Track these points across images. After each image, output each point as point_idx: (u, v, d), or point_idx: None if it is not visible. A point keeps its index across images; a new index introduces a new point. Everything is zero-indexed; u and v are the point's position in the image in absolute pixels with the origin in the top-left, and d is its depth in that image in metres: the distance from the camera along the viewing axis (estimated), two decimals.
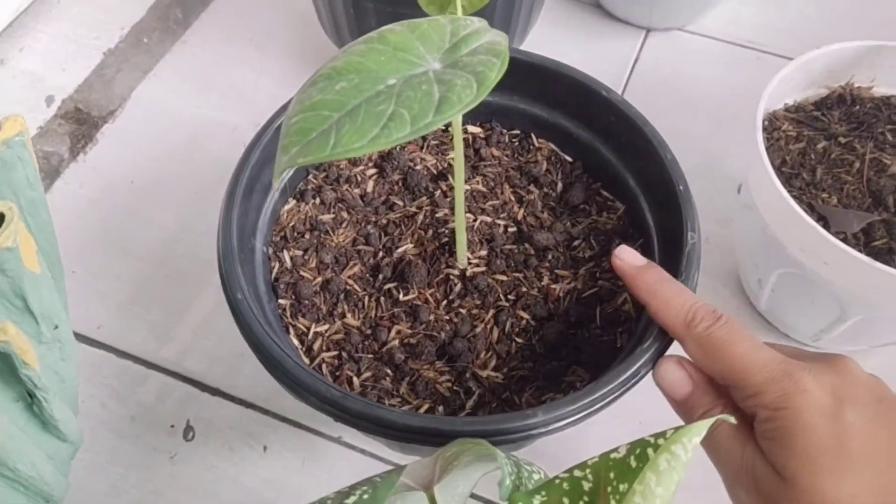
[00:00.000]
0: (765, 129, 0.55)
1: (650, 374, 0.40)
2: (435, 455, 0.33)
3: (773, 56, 0.75)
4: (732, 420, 0.29)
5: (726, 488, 0.37)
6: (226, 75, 0.75)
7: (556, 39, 0.77)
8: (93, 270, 0.62)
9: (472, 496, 0.52)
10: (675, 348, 0.40)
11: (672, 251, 0.44)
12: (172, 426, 0.56)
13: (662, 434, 0.29)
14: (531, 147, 0.53)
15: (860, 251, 0.50)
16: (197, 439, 0.55)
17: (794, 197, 0.51)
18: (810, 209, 0.52)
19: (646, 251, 0.47)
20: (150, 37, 0.77)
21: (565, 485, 0.30)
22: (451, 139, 0.53)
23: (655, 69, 0.75)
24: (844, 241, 0.50)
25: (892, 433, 0.34)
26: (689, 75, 0.75)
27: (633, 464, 0.29)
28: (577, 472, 0.30)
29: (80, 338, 0.59)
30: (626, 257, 0.42)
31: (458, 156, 0.39)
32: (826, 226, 0.50)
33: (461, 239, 0.45)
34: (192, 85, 0.74)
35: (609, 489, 0.29)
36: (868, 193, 0.53)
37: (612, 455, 0.29)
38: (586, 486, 0.30)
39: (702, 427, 0.28)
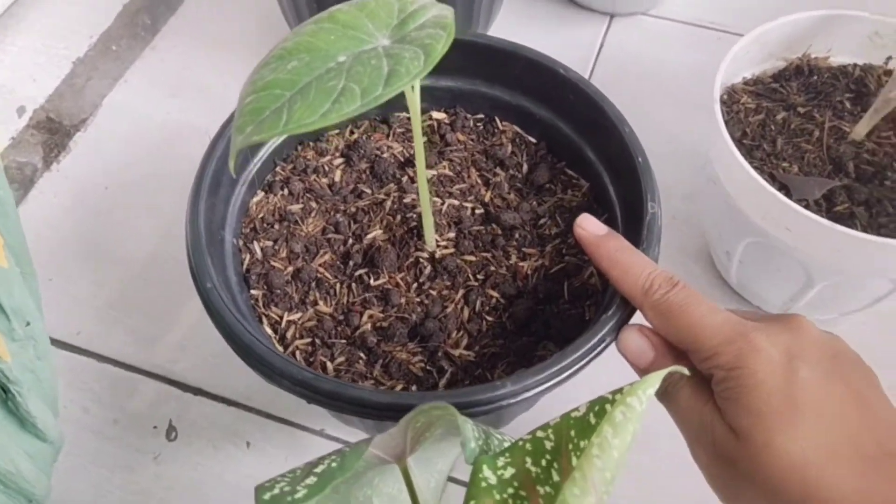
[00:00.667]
0: (724, 102, 0.56)
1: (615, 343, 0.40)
2: (403, 424, 0.33)
3: (734, 35, 0.76)
4: (686, 371, 0.30)
5: (689, 450, 0.38)
6: (196, 79, 0.75)
7: (520, 28, 0.78)
8: (70, 277, 0.63)
9: (450, 479, 0.53)
10: (639, 318, 0.41)
11: (634, 222, 0.44)
12: (155, 427, 0.56)
13: (619, 390, 0.29)
14: (496, 130, 0.54)
15: (822, 216, 0.51)
16: (180, 439, 0.56)
17: (756, 167, 0.52)
18: (772, 179, 0.53)
19: (610, 224, 0.48)
20: (119, 44, 0.77)
21: (528, 446, 0.30)
22: None
23: (620, 54, 0.76)
24: (807, 207, 0.50)
25: (845, 388, 0.34)
26: (654, 58, 0.76)
27: (593, 420, 0.29)
28: (539, 433, 0.31)
29: (60, 344, 0.59)
30: (588, 226, 0.43)
31: (417, 138, 0.40)
32: (788, 194, 0.51)
33: (428, 222, 0.46)
34: (163, 90, 0.75)
35: (570, 446, 0.29)
36: (828, 161, 0.54)
37: (573, 414, 0.30)
38: (548, 445, 0.30)
39: (655, 378, 0.28)
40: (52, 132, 0.71)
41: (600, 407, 0.29)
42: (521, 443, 0.31)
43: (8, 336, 0.38)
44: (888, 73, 0.58)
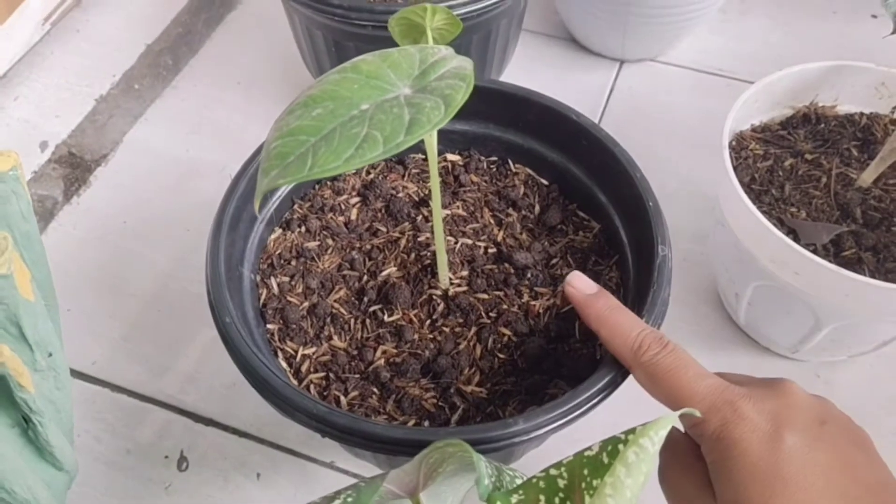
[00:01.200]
0: (733, 148, 0.57)
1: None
2: (417, 461, 0.34)
3: (742, 82, 0.78)
4: (698, 414, 0.30)
5: None
6: (214, 118, 0.77)
7: (532, 74, 0.79)
8: (86, 309, 0.64)
9: None
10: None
11: (645, 265, 0.45)
12: (167, 457, 0.56)
13: (632, 430, 0.30)
14: (508, 172, 0.55)
15: (830, 261, 0.51)
16: (191, 469, 0.56)
17: (764, 212, 0.53)
18: (780, 223, 0.53)
19: (620, 267, 0.49)
20: (141, 83, 0.79)
21: (542, 483, 0.31)
22: None
23: (630, 98, 0.78)
24: (814, 252, 0.51)
25: (832, 455, 0.34)
26: (663, 103, 0.77)
27: (606, 460, 0.30)
28: (552, 471, 0.31)
29: (75, 374, 0.60)
30: (578, 284, 0.43)
31: (433, 178, 0.41)
32: (796, 239, 0.52)
33: (442, 260, 0.47)
34: (182, 128, 0.76)
35: (583, 485, 0.30)
36: (836, 206, 0.55)
37: (586, 453, 0.31)
38: (561, 483, 0.31)
39: (668, 420, 0.29)
40: (74, 167, 0.72)
41: (613, 447, 0.30)
42: (534, 480, 0.31)
43: (31, 367, 0.38)
44: (894, 121, 0.59)
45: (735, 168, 0.55)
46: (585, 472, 0.30)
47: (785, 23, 0.84)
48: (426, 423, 0.44)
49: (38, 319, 0.38)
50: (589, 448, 0.31)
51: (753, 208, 0.50)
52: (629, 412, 0.40)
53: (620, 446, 0.30)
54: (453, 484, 0.36)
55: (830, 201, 0.55)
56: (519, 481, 0.35)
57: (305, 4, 0.60)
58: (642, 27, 0.75)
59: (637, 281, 0.46)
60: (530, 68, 0.80)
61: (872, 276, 0.50)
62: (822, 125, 0.59)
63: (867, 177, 0.55)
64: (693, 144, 0.73)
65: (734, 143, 0.58)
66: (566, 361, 0.45)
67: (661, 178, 0.65)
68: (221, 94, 0.79)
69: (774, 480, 0.33)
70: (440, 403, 0.44)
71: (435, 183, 0.41)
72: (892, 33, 0.50)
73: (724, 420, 0.34)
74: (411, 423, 0.44)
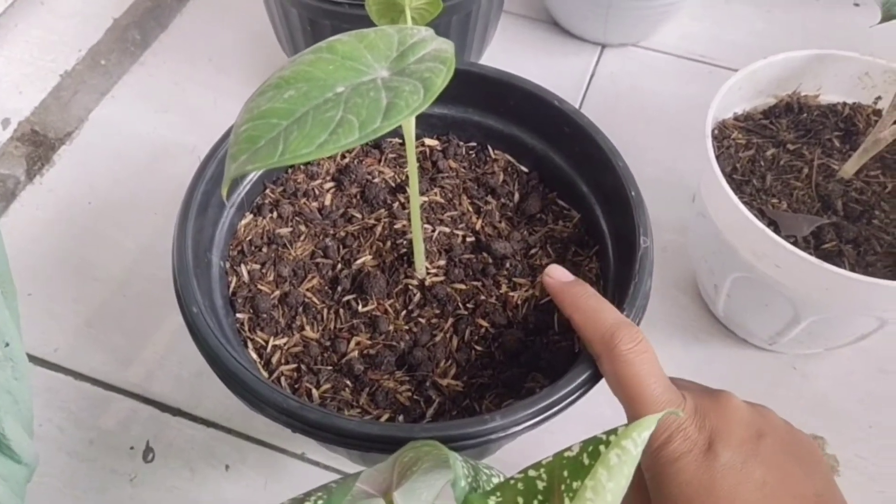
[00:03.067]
0: (715, 137, 0.56)
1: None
2: (391, 460, 0.33)
3: (725, 69, 0.77)
4: (681, 414, 0.30)
5: None
6: (184, 96, 0.75)
7: (512, 56, 0.78)
8: (49, 293, 0.62)
9: None
10: None
11: (626, 256, 0.44)
12: (132, 448, 0.55)
13: (614, 431, 0.29)
14: (488, 159, 0.53)
15: (810, 254, 0.51)
16: (157, 461, 0.54)
17: (745, 203, 0.52)
18: (761, 214, 0.53)
19: (601, 258, 0.48)
20: (108, 58, 0.76)
21: (520, 485, 0.30)
22: None
23: (611, 84, 0.77)
24: (795, 244, 0.51)
25: (768, 471, 0.34)
26: (644, 89, 0.76)
27: (586, 461, 0.29)
28: (531, 472, 0.30)
29: (37, 361, 0.58)
30: (555, 274, 0.43)
31: (411, 164, 0.40)
32: (777, 230, 0.52)
33: (419, 249, 0.45)
34: (151, 106, 0.74)
35: (563, 487, 0.29)
36: (817, 198, 0.54)
37: (566, 454, 0.30)
38: (540, 485, 0.30)
39: (651, 421, 0.28)
40: (37, 145, 0.70)
41: (594, 448, 0.29)
42: (512, 481, 0.30)
43: None
44: (877, 112, 0.59)
45: (717, 158, 0.54)
46: (565, 473, 0.29)
47: (768, 10, 0.83)
48: (400, 418, 0.42)
49: None
50: (569, 449, 0.30)
51: (735, 199, 0.49)
52: (612, 404, 0.39)
53: (602, 447, 0.29)
54: (428, 480, 0.35)
55: (812, 193, 0.54)
56: (496, 480, 0.34)
57: None
58: (624, 11, 0.74)
59: (618, 272, 0.45)
60: (511, 51, 0.78)
61: (853, 269, 0.50)
62: (805, 115, 0.59)
63: (849, 168, 0.54)
64: (674, 131, 0.72)
65: (716, 131, 0.57)
66: (544, 354, 0.44)
67: (641, 165, 0.64)
68: (192, 71, 0.77)
69: (707, 498, 0.33)
70: (415, 397, 0.43)
71: (413, 169, 0.40)
72: (881, 22, 0.49)
73: (668, 436, 0.34)
74: (385, 417, 0.42)
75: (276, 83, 0.32)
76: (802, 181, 0.55)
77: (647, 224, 0.44)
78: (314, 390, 0.43)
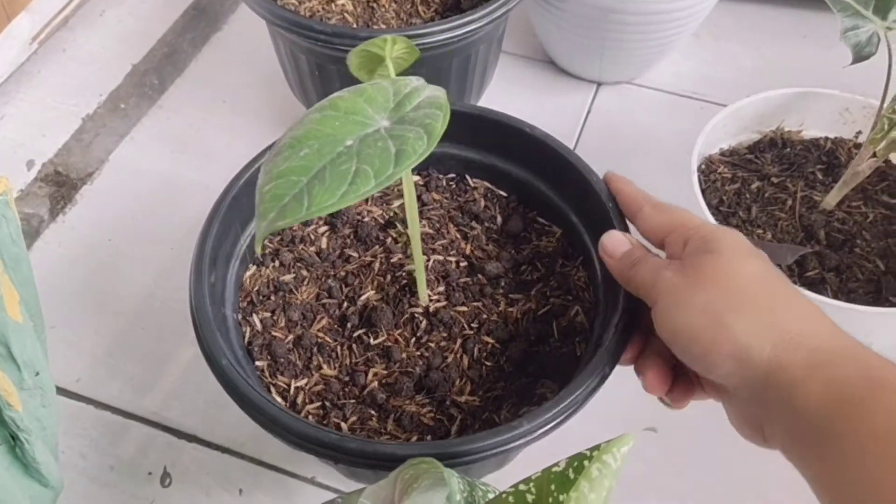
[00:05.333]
0: (702, 171, 0.59)
1: (603, 387, 0.42)
2: (392, 477, 0.35)
3: (715, 105, 0.80)
4: (653, 430, 0.32)
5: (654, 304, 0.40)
6: (199, 137, 0.78)
7: (511, 95, 0.81)
8: (71, 325, 0.65)
9: None
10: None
11: None
12: (150, 473, 0.57)
13: (597, 447, 0.31)
14: (467, 187, 0.57)
15: (795, 282, 0.53)
16: (174, 486, 0.57)
17: None
18: None
19: (587, 265, 0.51)
20: (127, 102, 0.80)
21: (511, 498, 0.32)
22: (394, 189, 0.57)
23: (607, 120, 0.80)
24: None
25: (787, 286, 0.38)
26: (638, 124, 0.79)
27: (571, 475, 0.31)
28: (521, 486, 0.33)
29: (60, 391, 0.61)
30: (611, 251, 0.45)
31: (410, 201, 0.43)
32: None
33: (421, 279, 0.48)
34: (168, 147, 0.78)
35: (550, 500, 0.31)
36: (801, 228, 0.57)
37: (553, 469, 0.32)
38: (530, 498, 0.32)
39: (628, 439, 0.31)
40: (60, 185, 0.73)
41: (579, 463, 0.31)
42: (503, 495, 0.33)
43: (18, 386, 0.39)
44: (858, 146, 0.62)
45: (704, 191, 0.57)
46: (553, 487, 0.32)
47: (756, 48, 0.86)
48: (428, 438, 0.45)
49: (27, 340, 0.39)
50: (556, 464, 0.32)
51: None
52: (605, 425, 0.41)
53: (585, 462, 0.31)
54: (428, 497, 0.38)
55: (795, 223, 0.57)
56: (491, 496, 0.36)
57: (290, 30, 0.62)
58: (619, 51, 0.77)
59: (605, 278, 0.48)
60: (509, 91, 0.82)
61: (835, 296, 0.52)
62: (788, 149, 0.61)
63: (831, 199, 0.57)
64: (668, 165, 0.75)
65: (703, 166, 0.60)
66: (549, 361, 0.48)
67: None
68: (206, 113, 0.80)
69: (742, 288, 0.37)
70: (438, 416, 0.46)
71: (412, 204, 0.43)
72: (852, 64, 0.52)
73: (717, 229, 0.40)
74: (414, 438, 0.45)
75: (289, 143, 0.34)
76: (786, 212, 0.58)
77: (627, 229, 0.47)
78: (343, 424, 0.45)
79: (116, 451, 0.58)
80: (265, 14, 0.63)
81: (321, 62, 0.66)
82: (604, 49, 0.77)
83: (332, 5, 0.73)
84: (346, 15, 0.72)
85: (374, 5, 0.73)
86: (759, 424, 0.36)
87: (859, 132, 0.62)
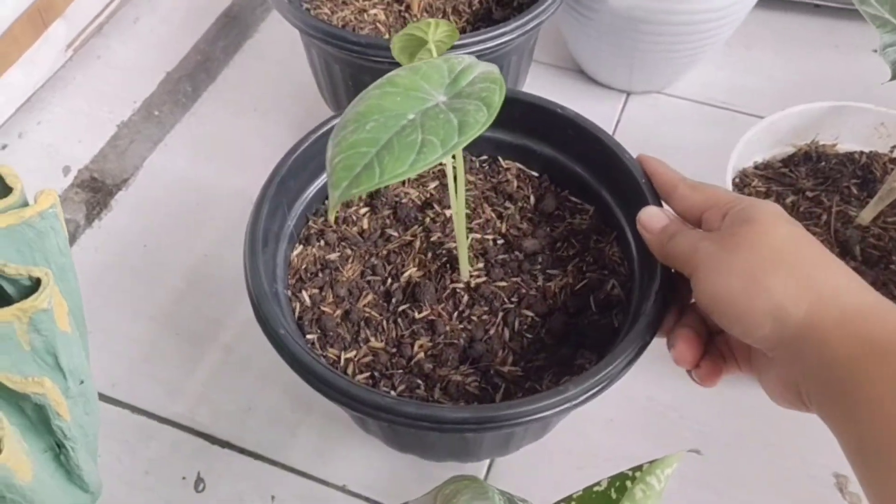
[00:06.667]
0: (736, 185, 0.59)
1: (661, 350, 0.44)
2: (433, 493, 0.36)
3: (746, 115, 0.80)
4: (698, 452, 0.32)
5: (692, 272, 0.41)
6: (232, 144, 0.79)
7: None
8: (107, 330, 0.66)
9: None
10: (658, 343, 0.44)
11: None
12: (184, 478, 0.58)
13: (639, 467, 0.32)
14: (500, 169, 0.58)
15: None
16: (208, 491, 0.58)
17: None
18: None
19: (620, 241, 0.52)
20: (161, 109, 0.81)
21: None
22: (430, 172, 0.58)
23: (637, 129, 0.80)
24: None
25: (821, 248, 0.39)
26: (669, 135, 0.79)
27: (614, 496, 0.32)
28: None
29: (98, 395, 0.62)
30: (650, 227, 0.46)
31: (459, 178, 0.44)
32: None
33: (463, 255, 0.50)
34: (201, 153, 0.79)
35: None
36: (836, 244, 0.57)
37: (595, 488, 0.33)
38: None
39: (672, 459, 0.31)
40: (95, 191, 0.74)
41: (621, 483, 0.32)
42: None
43: (64, 394, 0.40)
44: (893, 160, 0.61)
45: None
46: None
47: (788, 58, 0.86)
48: (475, 405, 0.46)
49: (73, 349, 0.40)
50: (597, 483, 0.33)
51: None
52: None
53: (628, 483, 0.31)
54: None
55: (830, 238, 0.57)
56: None
57: (324, 41, 0.62)
58: (649, 60, 0.77)
59: (640, 252, 0.49)
60: None
61: None
62: (823, 163, 0.61)
63: (866, 215, 0.57)
64: (699, 175, 0.74)
65: (737, 180, 0.60)
66: (588, 332, 0.49)
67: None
68: (239, 120, 0.81)
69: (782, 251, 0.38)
70: (483, 385, 0.47)
71: (461, 179, 0.45)
72: (891, 79, 0.52)
73: (753, 201, 0.41)
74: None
75: (353, 118, 0.36)
76: (821, 227, 0.57)
77: (661, 205, 0.48)
78: (392, 392, 0.47)
79: (151, 456, 0.59)
80: (299, 24, 0.64)
81: (354, 72, 0.66)
82: (634, 59, 0.77)
83: (365, 15, 0.73)
84: (378, 24, 0.73)
85: (406, 15, 0.74)
86: (797, 386, 0.37)
87: (894, 146, 0.61)
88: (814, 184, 0.60)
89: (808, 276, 0.37)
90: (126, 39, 0.88)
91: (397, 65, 0.62)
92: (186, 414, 0.61)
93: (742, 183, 0.60)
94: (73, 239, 0.72)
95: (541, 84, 0.83)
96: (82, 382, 0.42)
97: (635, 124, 0.80)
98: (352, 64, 0.65)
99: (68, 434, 0.38)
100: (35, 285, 0.37)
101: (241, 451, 0.60)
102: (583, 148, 0.54)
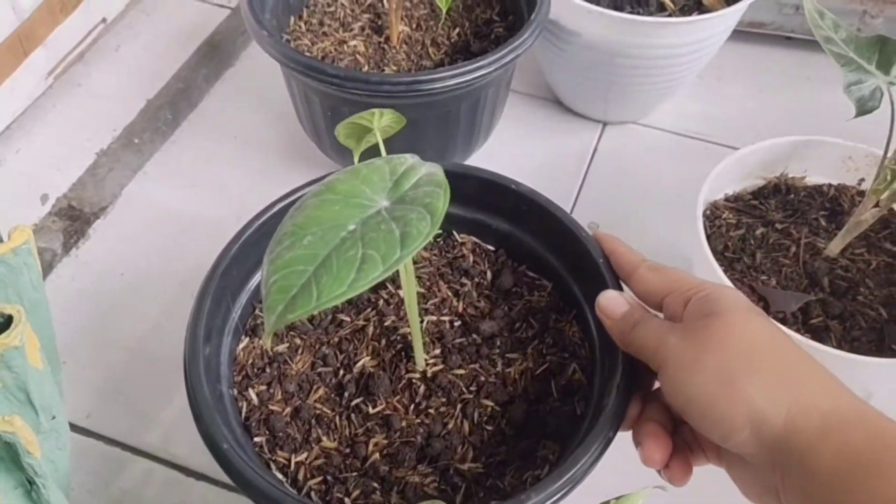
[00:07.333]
0: (707, 217, 0.60)
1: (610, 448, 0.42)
2: None
3: (719, 146, 0.81)
4: (663, 489, 0.33)
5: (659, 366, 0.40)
6: (211, 172, 0.80)
7: (518, 134, 0.83)
8: (82, 361, 0.65)
9: None
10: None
11: None
12: None
13: (606, 503, 0.32)
14: (455, 243, 0.57)
15: (798, 329, 0.54)
16: None
17: (736, 279, 0.56)
18: (751, 291, 0.56)
19: (580, 320, 0.51)
20: (141, 137, 0.82)
21: None
22: None
23: (612, 159, 0.81)
24: (783, 320, 0.54)
25: (793, 345, 0.38)
26: (644, 164, 0.80)
27: None
28: None
29: (71, 427, 0.61)
30: (609, 312, 0.45)
31: (408, 277, 0.43)
32: (766, 306, 0.55)
33: (418, 344, 0.48)
34: (180, 182, 0.79)
35: None
36: (804, 275, 0.58)
37: None
38: None
39: (643, 494, 0.31)
40: (73, 219, 0.74)
41: None
42: None
43: (35, 429, 0.40)
44: (861, 193, 0.62)
45: (709, 236, 0.58)
46: None
47: (760, 89, 0.88)
48: None
49: (45, 385, 0.40)
50: None
51: (724, 277, 0.53)
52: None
53: None
54: None
55: (799, 270, 0.58)
56: None
57: (304, 73, 0.63)
58: (624, 92, 0.79)
59: (601, 334, 0.48)
60: (517, 129, 0.83)
61: (839, 344, 0.53)
62: (792, 195, 0.62)
63: (834, 247, 0.58)
64: (672, 205, 0.76)
65: (708, 211, 0.61)
66: (550, 421, 0.47)
67: (641, 237, 0.67)
68: (219, 148, 0.82)
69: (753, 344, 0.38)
70: (442, 486, 0.45)
71: (410, 276, 0.43)
72: (855, 117, 0.53)
73: (715, 287, 0.41)
74: None
75: (291, 231, 0.34)
76: (790, 259, 0.59)
77: (620, 288, 0.47)
78: (346, 499, 0.44)
79: (125, 487, 0.59)
80: (279, 57, 0.64)
81: (333, 104, 0.67)
82: (609, 90, 0.79)
83: (345, 46, 0.74)
84: (357, 56, 0.74)
85: (385, 47, 0.75)
86: (776, 491, 0.36)
87: (862, 179, 0.63)
88: (783, 216, 0.61)
89: (785, 379, 0.36)
90: (107, 67, 0.88)
91: (376, 97, 0.63)
92: (161, 445, 0.61)
93: (713, 215, 0.61)
94: (49, 267, 0.71)
95: (518, 114, 0.84)
96: (54, 417, 0.42)
97: (611, 154, 0.82)
98: (330, 96, 0.66)
99: (38, 471, 0.38)
100: (7, 322, 0.37)
101: (217, 483, 0.59)
102: (538, 224, 0.53)
